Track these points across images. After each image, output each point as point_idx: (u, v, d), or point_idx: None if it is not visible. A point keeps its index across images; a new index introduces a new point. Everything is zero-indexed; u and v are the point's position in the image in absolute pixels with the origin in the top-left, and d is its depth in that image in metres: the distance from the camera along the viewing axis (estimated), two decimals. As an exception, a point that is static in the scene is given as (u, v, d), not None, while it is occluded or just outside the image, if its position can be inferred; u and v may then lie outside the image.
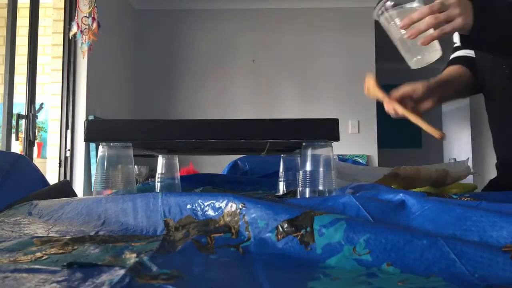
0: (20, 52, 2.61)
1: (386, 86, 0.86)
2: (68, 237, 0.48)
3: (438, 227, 0.44)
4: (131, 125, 0.67)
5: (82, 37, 2.60)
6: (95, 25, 2.60)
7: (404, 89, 0.92)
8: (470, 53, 1.09)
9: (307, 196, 0.67)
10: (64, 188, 0.85)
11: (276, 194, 0.96)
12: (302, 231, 0.44)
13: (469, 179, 0.95)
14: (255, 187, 1.19)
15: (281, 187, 1.00)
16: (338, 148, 3.67)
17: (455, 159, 4.86)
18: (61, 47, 2.94)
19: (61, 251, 0.42)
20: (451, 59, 1.14)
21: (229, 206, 0.49)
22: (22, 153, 2.45)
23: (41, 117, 2.94)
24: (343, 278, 0.36)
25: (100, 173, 0.69)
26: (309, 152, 0.68)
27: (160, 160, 0.98)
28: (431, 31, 0.76)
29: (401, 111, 0.86)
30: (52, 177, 2.81)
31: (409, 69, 0.84)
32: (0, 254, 0.41)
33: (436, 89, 0.96)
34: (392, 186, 0.84)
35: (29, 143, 2.52)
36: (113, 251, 0.42)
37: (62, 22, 2.95)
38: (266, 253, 0.43)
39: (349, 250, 0.41)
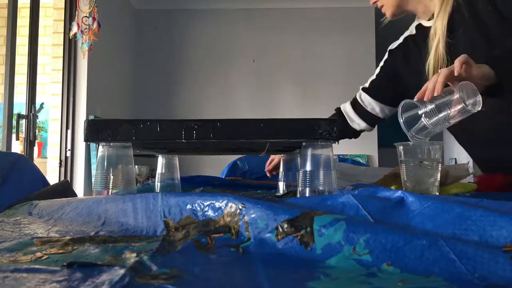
0: (20, 52, 2.61)
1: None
2: (68, 237, 0.48)
3: (437, 226, 0.44)
4: (131, 125, 0.67)
5: (82, 37, 2.60)
6: (95, 25, 2.60)
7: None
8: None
9: (307, 196, 0.67)
10: (64, 188, 0.85)
11: (276, 194, 0.96)
12: (302, 231, 0.43)
13: (469, 179, 0.95)
14: (255, 187, 1.19)
15: (281, 187, 0.99)
16: (338, 148, 3.65)
17: (455, 159, 4.84)
18: (61, 47, 2.94)
19: (61, 251, 0.42)
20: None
21: (229, 207, 0.49)
22: (23, 153, 2.45)
23: (41, 117, 2.94)
24: (343, 278, 0.36)
25: (100, 173, 0.69)
26: (309, 152, 0.68)
27: (160, 160, 0.98)
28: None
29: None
30: (52, 177, 2.81)
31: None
32: (0, 254, 0.41)
33: None
34: (392, 187, 0.84)
35: (30, 143, 2.52)
36: (113, 251, 0.42)
37: (63, 22, 2.95)
38: (266, 253, 0.43)
39: (349, 250, 0.41)
